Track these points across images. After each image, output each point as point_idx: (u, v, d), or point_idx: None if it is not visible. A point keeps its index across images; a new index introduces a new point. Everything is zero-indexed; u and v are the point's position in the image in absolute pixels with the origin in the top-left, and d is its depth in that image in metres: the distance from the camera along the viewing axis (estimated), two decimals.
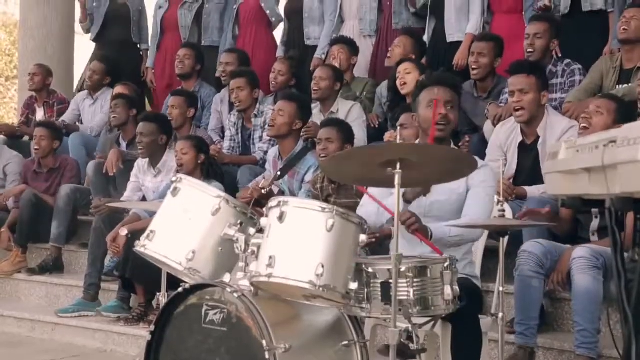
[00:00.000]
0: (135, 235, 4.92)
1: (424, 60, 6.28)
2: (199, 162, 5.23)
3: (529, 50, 5.22)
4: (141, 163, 5.83)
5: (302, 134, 5.40)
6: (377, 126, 6.01)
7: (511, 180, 4.53)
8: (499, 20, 6.07)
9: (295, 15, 7.16)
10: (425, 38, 6.37)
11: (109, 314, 5.39)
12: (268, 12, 7.31)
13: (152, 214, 5.09)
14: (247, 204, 3.45)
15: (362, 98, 6.22)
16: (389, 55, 6.19)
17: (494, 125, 5.01)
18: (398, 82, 5.65)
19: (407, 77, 5.58)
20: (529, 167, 4.60)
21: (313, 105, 5.89)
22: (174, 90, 6.76)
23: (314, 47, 6.94)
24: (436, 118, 3.45)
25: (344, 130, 4.83)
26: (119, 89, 6.85)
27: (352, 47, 6.40)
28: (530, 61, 5.01)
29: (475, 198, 3.45)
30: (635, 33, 4.90)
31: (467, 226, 3.34)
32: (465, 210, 3.46)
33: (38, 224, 6.32)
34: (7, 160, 6.91)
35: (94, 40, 8.03)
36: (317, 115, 5.85)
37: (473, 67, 5.43)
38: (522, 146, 4.66)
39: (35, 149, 6.53)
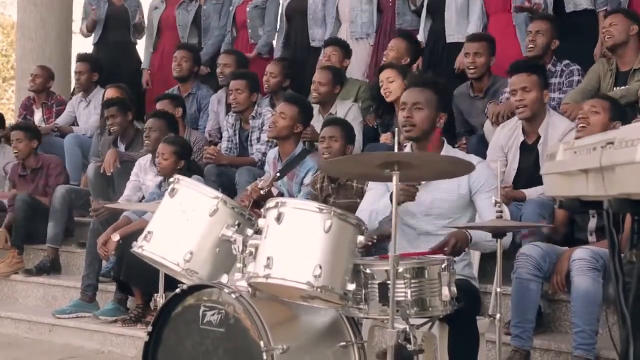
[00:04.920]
0: (126, 238, 4.94)
1: (420, 62, 6.27)
2: (178, 167, 5.19)
3: (530, 45, 5.26)
4: (143, 162, 5.80)
5: (302, 137, 5.39)
6: (375, 126, 6.00)
7: (510, 187, 4.53)
8: (493, 21, 6.07)
9: (297, 15, 7.12)
10: (420, 37, 6.34)
11: (106, 317, 5.38)
12: (252, 41, 7.26)
13: (142, 215, 5.14)
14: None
15: (358, 103, 6.18)
16: (384, 58, 6.17)
17: (493, 123, 5.02)
18: (382, 91, 5.62)
19: (391, 85, 5.55)
20: (530, 168, 4.60)
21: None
22: (159, 96, 6.63)
23: (318, 49, 6.87)
24: (401, 121, 3.56)
25: (347, 130, 4.87)
26: (110, 92, 6.80)
27: (345, 49, 6.37)
28: (531, 60, 5.03)
29: (488, 204, 3.45)
30: (619, 38, 4.95)
31: (466, 227, 3.35)
32: (483, 217, 3.48)
33: (34, 224, 6.32)
34: (8, 159, 6.98)
35: (95, 43, 7.98)
36: (315, 117, 5.83)
37: (470, 67, 5.43)
38: (523, 146, 4.67)
39: (15, 153, 6.58)
